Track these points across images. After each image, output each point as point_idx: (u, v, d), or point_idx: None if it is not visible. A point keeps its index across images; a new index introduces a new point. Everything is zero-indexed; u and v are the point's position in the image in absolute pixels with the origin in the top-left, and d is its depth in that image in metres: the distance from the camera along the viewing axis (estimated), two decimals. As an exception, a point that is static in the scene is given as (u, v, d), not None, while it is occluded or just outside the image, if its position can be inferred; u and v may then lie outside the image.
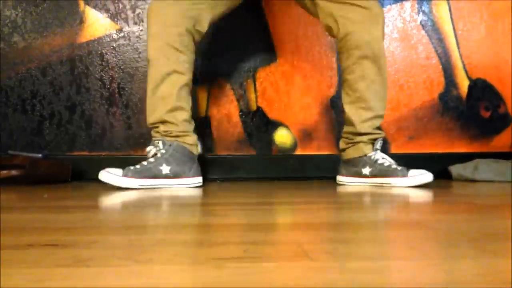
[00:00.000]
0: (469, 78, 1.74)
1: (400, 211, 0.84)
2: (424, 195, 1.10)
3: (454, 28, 1.74)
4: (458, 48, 1.74)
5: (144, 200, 1.01)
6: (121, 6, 1.66)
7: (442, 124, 1.74)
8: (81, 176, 1.60)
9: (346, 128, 1.42)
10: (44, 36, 1.65)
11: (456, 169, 1.58)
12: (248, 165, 1.68)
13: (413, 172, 1.31)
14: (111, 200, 1.03)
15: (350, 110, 1.38)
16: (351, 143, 1.40)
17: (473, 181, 1.51)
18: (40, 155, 1.56)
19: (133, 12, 1.66)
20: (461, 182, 1.49)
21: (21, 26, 1.64)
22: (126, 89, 1.66)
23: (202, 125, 1.67)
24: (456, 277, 0.41)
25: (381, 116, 1.38)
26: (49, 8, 1.65)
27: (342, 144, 1.44)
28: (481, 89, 1.75)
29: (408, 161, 1.69)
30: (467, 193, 1.18)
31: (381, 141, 1.40)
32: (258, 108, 1.69)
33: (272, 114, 1.69)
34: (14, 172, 1.39)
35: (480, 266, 0.44)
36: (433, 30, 1.74)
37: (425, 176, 1.29)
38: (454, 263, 0.46)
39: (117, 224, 0.69)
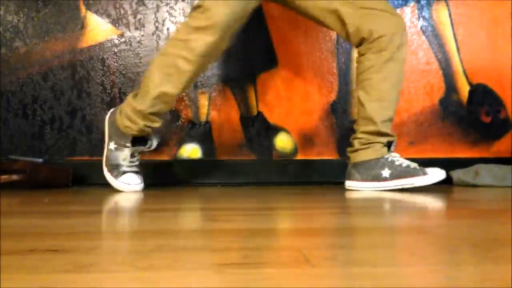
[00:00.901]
0: (469, 83, 1.74)
1: (401, 217, 0.84)
2: (425, 200, 1.10)
3: (454, 34, 1.74)
4: (459, 53, 1.74)
5: (144, 205, 1.01)
6: (122, 11, 1.66)
7: (442, 129, 1.74)
8: (82, 181, 1.60)
9: (363, 128, 1.37)
10: (46, 41, 1.65)
11: (457, 174, 1.58)
12: (248, 170, 1.68)
13: (429, 170, 1.32)
14: (111, 205, 1.03)
15: (372, 109, 1.35)
16: (368, 143, 1.36)
17: (474, 186, 1.51)
18: (40, 160, 1.56)
19: (134, 17, 1.67)
20: (462, 187, 1.49)
21: (22, 31, 1.65)
22: (127, 94, 1.66)
23: (203, 130, 1.67)
24: (456, 283, 0.41)
25: (392, 119, 1.39)
26: (50, 14, 1.65)
27: (356, 145, 1.38)
28: (482, 94, 1.75)
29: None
30: (468, 198, 1.18)
31: (395, 144, 1.40)
32: (259, 113, 1.69)
33: (272, 119, 1.69)
34: (14, 177, 1.39)
35: (480, 272, 0.44)
36: (433, 36, 1.74)
37: (441, 172, 1.32)
38: (455, 269, 0.45)
39: (117, 229, 0.69)
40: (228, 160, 1.68)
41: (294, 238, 0.62)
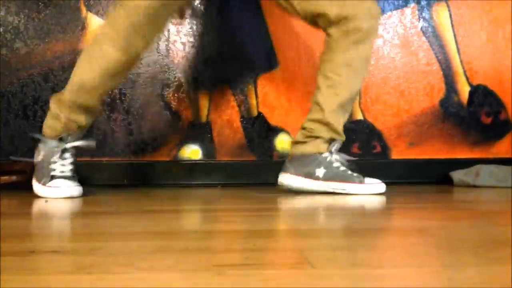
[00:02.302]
0: (470, 84, 1.74)
1: (401, 218, 0.84)
2: (425, 201, 1.10)
3: (454, 35, 1.74)
4: (459, 54, 1.74)
5: (145, 207, 1.01)
6: (122, 12, 1.66)
7: (443, 130, 1.74)
8: (82, 182, 1.60)
9: (310, 115, 1.29)
10: (46, 42, 1.65)
11: (457, 175, 1.57)
12: (249, 171, 1.68)
13: (368, 180, 1.24)
14: (112, 207, 1.03)
15: (323, 94, 1.27)
16: (311, 136, 1.28)
17: (475, 187, 1.51)
18: (41, 160, 1.56)
19: (135, 18, 1.67)
20: (463, 188, 1.49)
21: (23, 32, 1.65)
22: (127, 95, 1.66)
23: (203, 131, 1.67)
24: (457, 284, 0.41)
25: (344, 105, 1.28)
26: (51, 15, 1.65)
27: (299, 136, 1.31)
28: (482, 95, 1.75)
29: (409, 167, 1.69)
30: (469, 199, 1.18)
31: (338, 146, 1.29)
32: (259, 114, 1.69)
33: (273, 120, 1.69)
34: (15, 178, 1.39)
35: (481, 273, 0.44)
36: (434, 37, 1.74)
37: (380, 185, 1.24)
38: (455, 270, 0.45)
39: (118, 230, 0.69)
40: (229, 161, 1.68)
41: (295, 239, 0.62)
